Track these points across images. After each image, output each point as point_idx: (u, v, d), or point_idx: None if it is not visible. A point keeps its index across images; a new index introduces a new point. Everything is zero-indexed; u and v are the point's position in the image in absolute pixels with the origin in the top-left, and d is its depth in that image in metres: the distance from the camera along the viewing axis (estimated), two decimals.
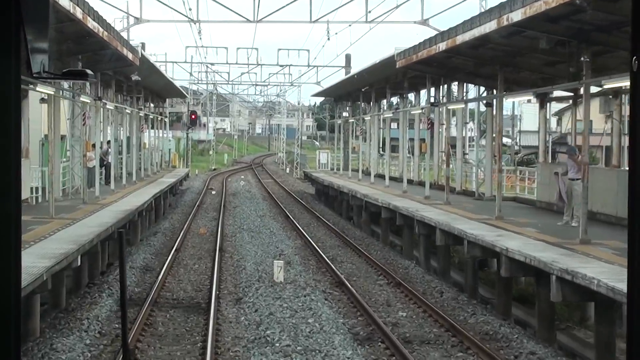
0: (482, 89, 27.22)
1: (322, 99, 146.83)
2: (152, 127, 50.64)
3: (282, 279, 18.89)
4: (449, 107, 24.73)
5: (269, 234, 28.93)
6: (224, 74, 61.84)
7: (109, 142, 36.96)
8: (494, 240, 15.94)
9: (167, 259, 22.41)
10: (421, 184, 37.32)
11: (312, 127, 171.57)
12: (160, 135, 54.03)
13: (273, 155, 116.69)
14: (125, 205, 24.99)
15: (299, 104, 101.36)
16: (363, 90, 41.02)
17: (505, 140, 58.86)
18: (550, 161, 27.54)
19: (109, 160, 34.53)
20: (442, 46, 19.22)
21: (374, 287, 19.03)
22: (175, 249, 24.56)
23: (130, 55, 22.47)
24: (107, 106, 26.63)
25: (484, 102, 25.36)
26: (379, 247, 26.59)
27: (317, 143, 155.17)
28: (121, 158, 36.11)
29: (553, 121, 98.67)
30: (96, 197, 26.27)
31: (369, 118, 37.94)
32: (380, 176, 44.44)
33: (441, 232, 19.60)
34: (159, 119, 48.29)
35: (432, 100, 27.39)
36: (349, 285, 18.37)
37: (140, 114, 36.36)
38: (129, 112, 32.61)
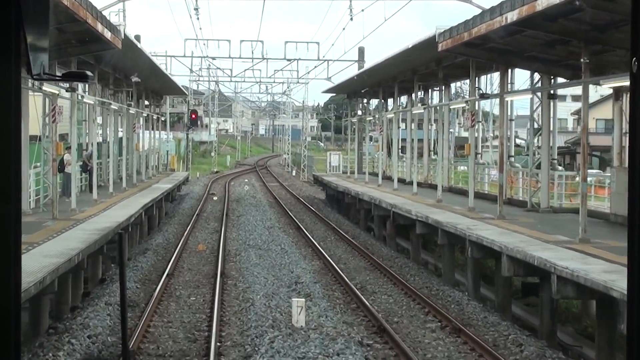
0: (536, 78, 22.66)
1: (326, 99, 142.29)
2: (153, 128, 46.20)
3: (303, 322, 14.33)
4: (506, 99, 20.05)
5: (279, 251, 24.37)
6: (226, 70, 57.26)
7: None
8: (607, 280, 11.33)
9: (155, 289, 17.90)
10: (452, 190, 32.83)
11: (316, 127, 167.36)
12: (158, 136, 49.46)
13: (277, 157, 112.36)
14: (105, 220, 20.44)
15: (303, 103, 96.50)
16: (368, 86, 36.49)
17: (518, 141, 54.39)
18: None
19: (94, 165, 29.98)
20: (512, 16, 14.63)
21: (425, 333, 14.45)
22: (167, 274, 20.04)
23: (108, 35, 17.87)
24: (86, 100, 22.02)
25: (542, 93, 20.78)
26: (414, 269, 22.02)
27: (322, 144, 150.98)
28: (108, 162, 31.50)
29: (570, 120, 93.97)
30: (72, 210, 21.69)
31: (392, 115, 33.37)
32: (400, 180, 39.92)
33: (510, 259, 15.01)
34: (155, 117, 43.63)
35: (476, 91, 22.73)
36: (393, 333, 13.81)
37: (132, 112, 31.73)
38: (116, 108, 27.95)
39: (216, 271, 20.50)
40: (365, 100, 45.40)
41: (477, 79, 29.06)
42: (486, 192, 30.09)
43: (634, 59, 1.80)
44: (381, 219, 29.71)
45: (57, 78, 2.54)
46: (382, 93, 36.76)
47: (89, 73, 2.57)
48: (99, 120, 31.88)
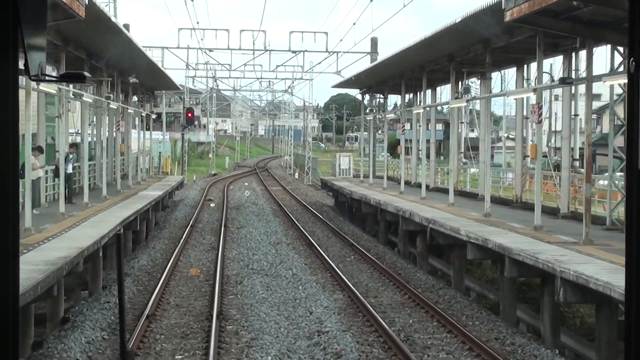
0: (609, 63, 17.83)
1: (327, 99, 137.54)
2: (144, 127, 41.40)
3: None
4: (604, 83, 15.18)
5: (291, 279, 19.53)
6: (225, 65, 52.25)
7: (74, 144, 27.59)
8: None
9: (129, 341, 13.03)
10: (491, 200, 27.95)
11: (317, 128, 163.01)
12: (149, 136, 44.58)
13: (278, 158, 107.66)
14: (64, 245, 15.54)
15: (304, 103, 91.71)
16: (388, 79, 31.64)
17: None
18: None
19: (69, 170, 25.14)
20: None
21: None
22: (147, 315, 15.19)
23: None
24: (43, 88, 17.18)
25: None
26: (465, 304, 17.12)
27: (323, 145, 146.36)
28: (79, 166, 26.62)
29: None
30: (26, 230, 16.71)
31: (422, 111, 28.46)
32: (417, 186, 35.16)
33: None
34: (144, 114, 38.66)
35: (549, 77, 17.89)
36: None
37: (113, 106, 26.85)
38: (90, 100, 22.99)
39: (211, 310, 15.69)
40: (380, 96, 40.59)
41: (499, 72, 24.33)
42: (526, 200, 25.20)
43: (631, 59, 1.86)
44: (410, 234, 24.97)
45: (55, 79, 2.51)
46: (405, 86, 31.82)
47: (86, 74, 2.58)
48: (75, 116, 27.06)
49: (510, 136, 57.83)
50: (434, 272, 23.96)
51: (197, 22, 41.87)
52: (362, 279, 20.18)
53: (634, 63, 1.85)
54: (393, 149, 77.74)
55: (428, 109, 34.96)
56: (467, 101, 22.35)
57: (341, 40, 56.33)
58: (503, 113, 42.16)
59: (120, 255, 3.37)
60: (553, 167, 35.65)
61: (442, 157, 61.59)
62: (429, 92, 33.58)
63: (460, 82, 25.19)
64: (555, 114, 51.25)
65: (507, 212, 22.66)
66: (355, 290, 17.73)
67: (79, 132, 32.11)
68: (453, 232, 18.56)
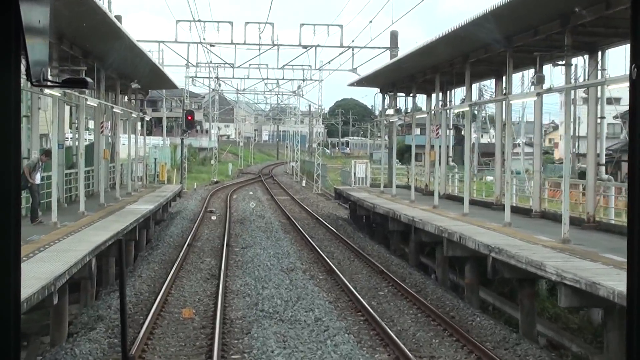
0: None
1: (332, 103, 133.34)
2: (140, 131, 36.94)
3: None
4: None
5: (314, 327, 14.86)
6: (228, 61, 47.64)
7: (47, 151, 22.89)
8: None
9: None
10: (545, 216, 23.30)
11: (322, 133, 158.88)
12: (143, 141, 39.96)
13: (283, 165, 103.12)
14: None
15: (309, 107, 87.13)
16: (418, 72, 26.99)
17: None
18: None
19: (36, 180, 20.53)
20: None
21: None
22: None
23: None
24: None
25: None
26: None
27: (328, 151, 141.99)
28: (49, 175, 21.91)
29: (617, 126, 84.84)
30: None
31: (467, 109, 23.73)
32: (451, 197, 30.72)
33: None
34: (135, 115, 33.89)
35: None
36: None
37: (92, 104, 22.13)
38: (58, 95, 18.14)
39: None
40: (400, 94, 35.96)
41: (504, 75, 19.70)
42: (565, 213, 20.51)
43: (633, 65, 1.83)
44: (452, 260, 20.39)
45: (57, 84, 2.42)
46: (440, 82, 27.04)
47: (89, 79, 2.38)
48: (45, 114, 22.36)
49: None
50: (485, 308, 19.36)
51: (202, 25, 36.89)
52: (406, 324, 15.52)
53: (636, 69, 1.78)
54: (402, 155, 73.33)
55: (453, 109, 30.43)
56: (538, 94, 17.62)
57: (370, 21, 51.54)
58: (516, 116, 37.87)
59: (122, 263, 3.08)
60: (578, 174, 31.53)
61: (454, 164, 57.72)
62: (459, 90, 28.93)
63: (498, 78, 20.52)
64: (579, 117, 46.08)
65: (584, 236, 17.95)
66: (403, 346, 13.09)
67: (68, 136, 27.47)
68: (532, 267, 13.84)
